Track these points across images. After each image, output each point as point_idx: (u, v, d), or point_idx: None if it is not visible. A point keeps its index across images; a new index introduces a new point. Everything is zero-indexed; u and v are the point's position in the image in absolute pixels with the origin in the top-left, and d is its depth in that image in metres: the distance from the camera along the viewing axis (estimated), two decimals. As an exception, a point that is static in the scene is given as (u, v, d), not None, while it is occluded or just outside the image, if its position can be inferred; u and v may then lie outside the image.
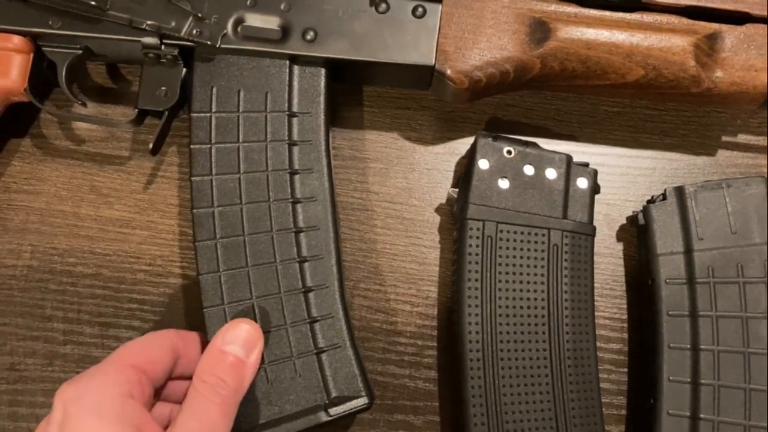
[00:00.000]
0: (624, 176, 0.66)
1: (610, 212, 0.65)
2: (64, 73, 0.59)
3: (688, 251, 0.59)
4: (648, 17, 0.57)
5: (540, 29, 0.57)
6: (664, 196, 0.61)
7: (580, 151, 0.66)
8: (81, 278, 0.63)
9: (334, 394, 0.54)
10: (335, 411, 0.53)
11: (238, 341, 0.50)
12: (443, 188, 0.65)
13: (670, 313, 0.59)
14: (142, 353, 0.49)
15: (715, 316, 0.58)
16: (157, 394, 0.52)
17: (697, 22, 0.57)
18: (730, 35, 0.57)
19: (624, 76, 0.57)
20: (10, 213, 0.64)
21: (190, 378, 0.52)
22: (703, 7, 0.57)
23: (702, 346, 0.57)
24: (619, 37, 0.56)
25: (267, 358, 0.54)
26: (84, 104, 0.62)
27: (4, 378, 0.61)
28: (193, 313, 0.62)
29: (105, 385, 0.45)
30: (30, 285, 0.63)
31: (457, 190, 0.62)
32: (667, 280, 0.59)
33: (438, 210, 0.65)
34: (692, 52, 0.56)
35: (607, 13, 0.57)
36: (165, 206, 0.64)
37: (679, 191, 0.60)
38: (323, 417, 0.53)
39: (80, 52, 0.59)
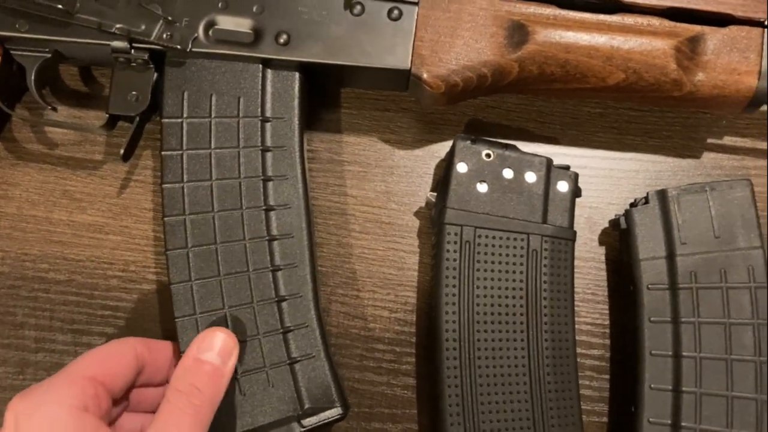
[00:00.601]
0: (607, 179, 0.65)
1: (593, 216, 0.64)
2: (33, 77, 0.58)
3: (671, 256, 0.58)
4: (629, 19, 0.56)
5: (518, 32, 0.55)
6: (646, 200, 0.60)
7: (562, 153, 0.65)
8: (53, 284, 0.62)
9: (307, 405, 0.53)
10: (309, 422, 0.53)
11: (214, 349, 0.49)
12: (423, 192, 0.64)
13: (651, 319, 0.58)
14: (100, 364, 0.48)
15: (697, 322, 0.57)
16: (120, 402, 0.51)
17: (679, 25, 0.56)
18: (713, 38, 0.55)
19: (604, 79, 0.56)
20: (-19, 218, 0.63)
21: (158, 386, 0.51)
22: (685, 9, 0.56)
23: (684, 353, 0.57)
24: (599, 40, 0.55)
25: (240, 368, 0.53)
26: (55, 109, 0.60)
27: (-24, 386, 0.60)
28: (167, 320, 0.61)
29: (58, 398, 0.44)
30: (1, 292, 0.62)
31: (435, 194, 0.60)
32: (649, 286, 0.58)
33: (417, 214, 0.64)
34: (673, 56, 0.55)
35: (587, 15, 0.56)
36: (139, 211, 0.63)
37: (662, 194, 0.59)
38: (296, 429, 0.52)
39: (49, 55, 0.58)
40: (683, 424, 0.56)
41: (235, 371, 0.52)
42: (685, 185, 0.59)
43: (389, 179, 0.64)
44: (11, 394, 0.58)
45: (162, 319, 0.61)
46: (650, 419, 0.56)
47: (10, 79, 0.59)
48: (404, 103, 0.65)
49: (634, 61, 0.55)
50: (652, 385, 0.57)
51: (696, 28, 0.55)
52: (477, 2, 0.56)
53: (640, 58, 0.55)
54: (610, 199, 0.64)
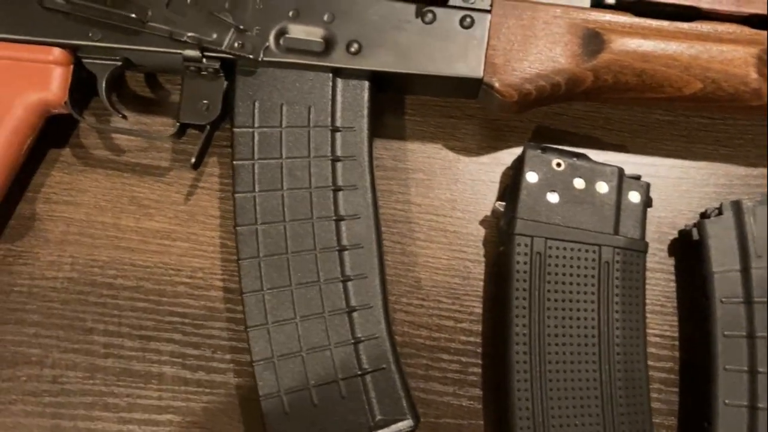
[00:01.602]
0: (676, 188, 0.63)
1: (661, 225, 0.63)
2: (104, 85, 0.58)
3: (746, 269, 0.57)
4: (707, 27, 0.55)
5: (593, 41, 0.54)
6: (719, 211, 0.59)
7: (630, 161, 0.64)
8: (121, 290, 0.62)
9: (378, 417, 0.53)
10: (380, 434, 0.53)
11: None
12: (488, 200, 0.63)
13: (725, 333, 0.57)
14: None
15: (773, 337, 0.56)
16: None
17: (760, 32, 0.54)
18: (796, 46, 0.54)
19: (681, 89, 0.55)
20: (50, 224, 0.63)
21: None
22: (766, 16, 0.54)
23: (760, 369, 0.55)
24: (677, 48, 0.54)
25: (311, 379, 0.53)
26: (125, 117, 0.61)
27: (47, 390, 0.61)
28: (234, 327, 0.61)
29: None
30: (70, 297, 0.62)
31: (503, 203, 0.60)
32: (723, 299, 0.57)
33: (483, 223, 0.63)
34: (754, 64, 0.54)
35: (665, 23, 0.55)
36: (205, 218, 0.63)
37: (736, 206, 0.58)
38: (368, 440, 0.52)
39: (120, 63, 0.58)
40: (759, 440, 0.55)
41: (308, 381, 0.53)
42: (760, 195, 0.58)
43: (454, 187, 0.64)
44: (81, 399, 0.60)
45: (229, 327, 0.61)
46: (724, 436, 0.55)
47: (80, 86, 0.60)
48: (469, 110, 0.65)
49: (713, 70, 0.54)
50: (727, 401, 0.56)
51: (778, 36, 0.54)
52: (551, 10, 0.55)
53: (719, 67, 0.54)
54: (680, 209, 0.63)
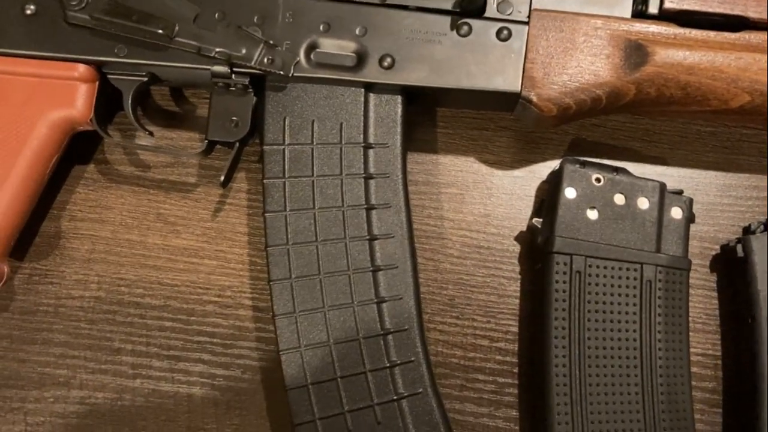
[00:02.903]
0: (718, 202, 0.61)
1: (703, 240, 0.61)
2: (130, 101, 0.57)
3: (792, 287, 0.55)
4: (755, 37, 0.52)
5: (636, 53, 0.52)
6: (765, 227, 0.57)
7: (669, 174, 0.62)
8: (149, 310, 0.61)
9: (415, 443, 0.52)
10: (418, 460, 0.51)
11: None
12: (523, 215, 0.62)
13: (772, 354, 0.55)
14: None
15: (822, 357, 0.54)
16: None
17: (810, 42, 0.52)
18: None
19: (727, 102, 0.53)
20: (76, 242, 0.62)
21: None
22: (817, 25, 0.52)
23: (808, 392, 0.53)
24: (724, 60, 0.52)
25: (347, 404, 0.52)
26: (151, 134, 0.59)
27: (75, 412, 0.60)
28: (264, 347, 0.60)
29: None
30: (97, 317, 0.61)
31: (540, 220, 0.58)
32: (770, 319, 0.55)
33: (518, 238, 0.61)
34: (806, 76, 0.52)
35: (711, 34, 0.52)
36: (234, 235, 0.62)
37: (783, 221, 0.56)
38: (406, 467, 0.51)
39: (146, 79, 0.56)
40: (808, 465, 0.53)
41: (343, 406, 0.51)
42: (807, 210, 0.56)
43: (488, 202, 0.62)
44: (111, 420, 0.59)
45: (258, 347, 0.60)
46: (772, 459, 0.54)
47: (105, 102, 0.58)
48: (503, 122, 0.63)
49: (761, 82, 0.52)
50: (774, 424, 0.54)
51: (830, 47, 0.52)
52: (592, 21, 0.53)
53: (768, 79, 0.52)
54: (722, 223, 0.61)
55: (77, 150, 0.62)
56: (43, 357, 0.60)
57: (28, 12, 0.55)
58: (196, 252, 0.62)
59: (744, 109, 0.53)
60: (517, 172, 0.62)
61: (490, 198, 0.62)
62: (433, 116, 0.63)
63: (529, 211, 0.62)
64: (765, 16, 0.52)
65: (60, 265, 0.62)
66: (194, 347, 0.61)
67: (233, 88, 0.55)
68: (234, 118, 0.56)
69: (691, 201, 0.57)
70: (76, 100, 0.56)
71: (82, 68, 0.56)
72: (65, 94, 0.56)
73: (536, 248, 0.58)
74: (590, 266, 0.55)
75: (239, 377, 0.60)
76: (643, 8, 0.53)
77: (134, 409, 0.60)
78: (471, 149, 0.63)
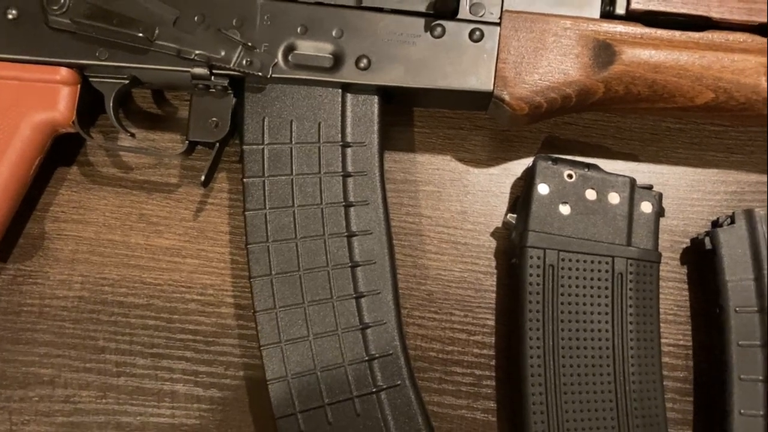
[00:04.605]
0: (687, 196, 0.63)
1: (673, 234, 0.63)
2: (111, 104, 0.58)
3: (759, 278, 0.57)
4: (718, 36, 0.54)
5: (604, 52, 0.54)
6: (732, 219, 0.59)
7: (641, 170, 0.63)
8: (132, 309, 0.62)
9: (394, 434, 0.53)
10: (396, 451, 0.52)
11: None
12: (499, 211, 0.63)
13: (740, 343, 0.57)
14: None
15: (789, 346, 0.55)
16: None
17: (771, 41, 0.54)
18: (808, 54, 0.54)
19: (692, 99, 0.54)
20: (59, 243, 0.63)
21: None
22: (777, 25, 0.54)
23: (775, 378, 0.55)
24: (689, 59, 0.54)
25: (327, 397, 0.53)
26: (133, 135, 0.60)
27: (60, 410, 0.61)
28: (246, 343, 0.61)
29: None
30: (82, 316, 0.62)
31: (515, 215, 0.59)
32: (737, 308, 0.57)
33: (494, 234, 0.63)
34: (766, 73, 0.53)
35: (676, 33, 0.54)
36: (215, 234, 0.63)
37: (749, 215, 0.58)
38: (384, 458, 0.52)
39: (127, 81, 0.58)
40: (776, 451, 0.54)
41: (323, 399, 0.52)
42: (772, 203, 0.57)
43: (464, 199, 0.63)
44: (95, 419, 0.60)
45: (241, 343, 0.61)
46: (741, 446, 0.55)
47: (87, 105, 0.59)
48: (478, 121, 0.64)
49: (724, 80, 0.54)
50: (742, 411, 0.56)
51: (790, 45, 0.54)
52: (561, 22, 0.54)
53: (731, 77, 0.53)
54: (691, 217, 0.63)
55: (60, 152, 0.63)
56: (27, 356, 0.61)
57: (10, 17, 0.56)
58: (179, 251, 0.63)
59: (709, 105, 0.55)
60: (492, 170, 0.64)
61: (467, 195, 0.63)
62: (410, 115, 0.65)
63: (504, 208, 0.63)
64: (727, 16, 0.54)
65: (44, 265, 0.63)
66: (177, 345, 0.62)
67: (213, 90, 0.57)
68: (214, 118, 0.57)
69: (660, 195, 0.58)
70: (59, 103, 0.57)
71: (64, 71, 0.57)
72: (48, 97, 0.57)
73: (511, 243, 0.60)
74: (563, 260, 0.57)
75: (222, 374, 0.61)
76: (611, 9, 0.55)
77: (118, 407, 0.61)
78: (447, 148, 0.64)
